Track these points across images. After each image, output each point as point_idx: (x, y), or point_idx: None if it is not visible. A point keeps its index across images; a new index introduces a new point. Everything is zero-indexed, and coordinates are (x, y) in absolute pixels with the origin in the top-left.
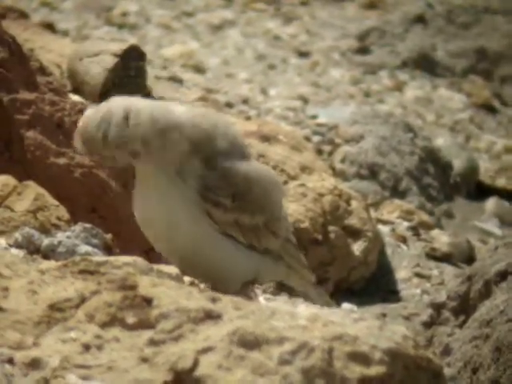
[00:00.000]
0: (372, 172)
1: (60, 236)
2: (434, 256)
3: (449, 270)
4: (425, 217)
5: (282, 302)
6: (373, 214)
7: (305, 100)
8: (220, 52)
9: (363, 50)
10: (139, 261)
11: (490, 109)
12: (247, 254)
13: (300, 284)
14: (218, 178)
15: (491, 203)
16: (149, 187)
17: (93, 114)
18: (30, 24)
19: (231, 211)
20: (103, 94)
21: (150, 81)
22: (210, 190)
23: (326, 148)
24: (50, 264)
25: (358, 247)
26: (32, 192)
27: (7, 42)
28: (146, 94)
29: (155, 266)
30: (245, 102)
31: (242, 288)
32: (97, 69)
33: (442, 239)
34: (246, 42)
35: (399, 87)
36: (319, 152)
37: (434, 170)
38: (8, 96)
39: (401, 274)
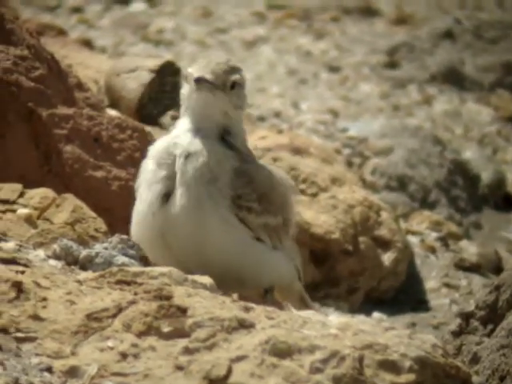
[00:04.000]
0: (401, 184)
1: (97, 247)
2: (463, 266)
3: (477, 280)
4: (453, 228)
5: (312, 312)
6: (402, 224)
7: (335, 114)
8: (253, 67)
9: (392, 65)
10: (174, 271)
11: None
12: (276, 255)
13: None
14: (245, 184)
15: None
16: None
17: None
18: (68, 41)
19: (261, 214)
20: (139, 109)
21: None
22: (240, 197)
23: (356, 160)
24: (88, 275)
25: (387, 258)
26: (70, 204)
27: (46, 58)
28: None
29: (190, 277)
30: (277, 115)
31: (266, 293)
32: (133, 84)
33: (470, 250)
34: (279, 57)
35: (428, 101)
36: (349, 164)
37: (462, 182)
38: (47, 111)
39: (430, 284)
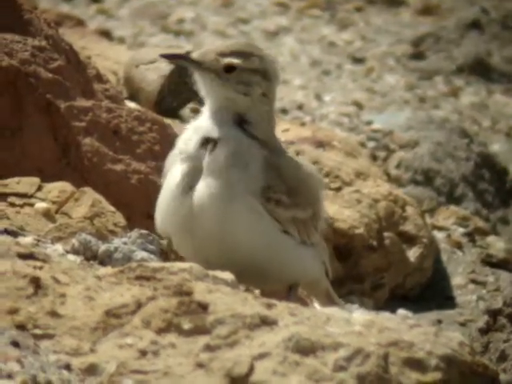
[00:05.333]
0: (427, 178)
1: (116, 242)
2: (490, 262)
3: (505, 276)
4: (480, 223)
5: (336, 308)
6: (428, 220)
7: (360, 106)
8: (275, 58)
9: (418, 56)
10: (195, 267)
11: None
12: (304, 250)
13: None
14: (274, 176)
15: None
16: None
17: None
18: (86, 31)
19: (290, 207)
20: (159, 101)
21: None
22: (270, 188)
23: (381, 154)
24: (107, 270)
25: (413, 253)
26: (89, 198)
27: (64, 49)
28: (199, 100)
29: (211, 272)
30: (299, 107)
31: (291, 289)
32: (153, 76)
33: (497, 245)
34: (301, 48)
35: (455, 93)
36: (374, 158)
37: (489, 176)
38: (65, 103)
39: (456, 280)
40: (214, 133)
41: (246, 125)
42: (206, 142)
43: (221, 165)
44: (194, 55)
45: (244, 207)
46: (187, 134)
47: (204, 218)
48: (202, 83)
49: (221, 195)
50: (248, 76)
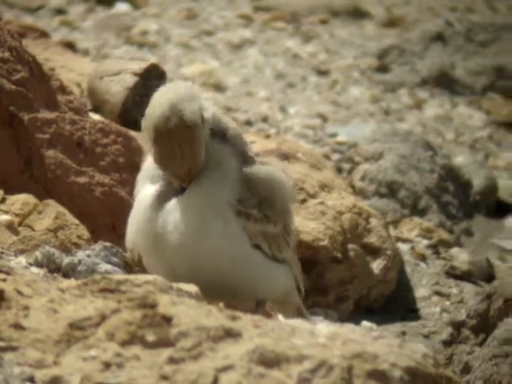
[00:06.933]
0: (391, 190)
1: (80, 255)
2: (454, 274)
3: (468, 288)
4: (444, 235)
5: (301, 320)
6: (392, 232)
7: (324, 118)
8: (240, 70)
9: (383, 69)
10: (159, 279)
11: (509, 126)
12: (274, 266)
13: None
14: (246, 188)
15: (511, 221)
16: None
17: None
18: (50, 43)
19: (260, 221)
20: (123, 113)
21: None
22: (241, 201)
23: (346, 166)
24: (71, 282)
25: (377, 265)
26: (52, 211)
27: (27, 61)
28: None
29: (175, 285)
30: (264, 120)
31: (258, 305)
32: (117, 87)
33: (461, 257)
34: (266, 60)
35: (419, 105)
36: (339, 170)
37: (453, 188)
38: (28, 115)
39: (420, 292)
40: None
41: (225, 131)
42: None
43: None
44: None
45: (215, 220)
46: None
47: (175, 231)
48: None
49: (193, 208)
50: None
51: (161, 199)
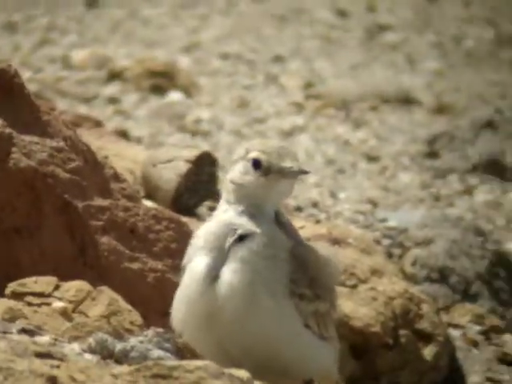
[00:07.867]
0: (442, 275)
1: (133, 341)
2: (506, 360)
3: None
4: (496, 321)
5: None
6: (444, 317)
7: (374, 204)
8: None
9: (432, 155)
10: (210, 365)
11: None
12: (321, 345)
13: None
14: (298, 267)
15: None
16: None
17: None
18: (104, 132)
19: (312, 301)
20: (176, 200)
21: (222, 186)
22: (295, 282)
23: (396, 251)
24: (123, 369)
25: (429, 352)
26: (106, 297)
27: (82, 150)
28: (216, 199)
29: (226, 370)
30: (314, 205)
31: None
32: (170, 174)
33: None
34: (316, 146)
35: (469, 191)
36: (389, 255)
37: (504, 274)
38: (83, 203)
39: (473, 378)
40: (254, 228)
41: (280, 216)
42: (234, 236)
43: (251, 256)
44: (297, 167)
45: (271, 299)
46: (211, 227)
47: (229, 307)
48: (292, 188)
49: (249, 285)
50: None
51: (214, 272)
